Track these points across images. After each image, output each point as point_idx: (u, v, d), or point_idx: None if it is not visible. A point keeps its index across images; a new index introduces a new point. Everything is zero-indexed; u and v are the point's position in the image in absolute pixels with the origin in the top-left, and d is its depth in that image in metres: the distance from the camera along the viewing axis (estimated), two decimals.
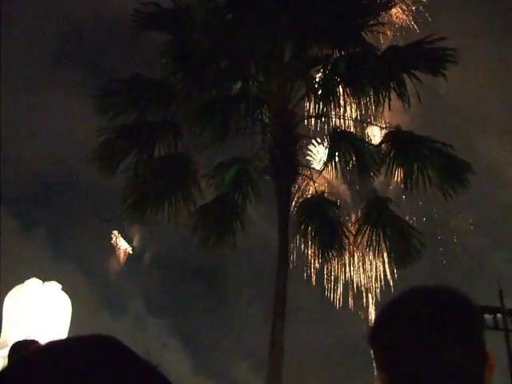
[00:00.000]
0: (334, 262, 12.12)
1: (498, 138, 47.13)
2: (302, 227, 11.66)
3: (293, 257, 13.59)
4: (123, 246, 50.33)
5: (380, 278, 36.86)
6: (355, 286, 37.55)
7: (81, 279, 43.58)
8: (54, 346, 0.92)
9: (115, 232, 48.72)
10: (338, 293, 38.42)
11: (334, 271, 36.55)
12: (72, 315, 11.35)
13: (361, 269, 36.86)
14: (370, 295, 37.89)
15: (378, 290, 37.51)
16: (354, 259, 32.16)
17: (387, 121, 12.47)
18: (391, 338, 1.47)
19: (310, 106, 11.70)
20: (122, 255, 50.44)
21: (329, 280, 37.87)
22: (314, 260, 12.09)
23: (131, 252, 50.72)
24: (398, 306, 1.53)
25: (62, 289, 11.82)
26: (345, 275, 37.05)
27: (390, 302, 1.54)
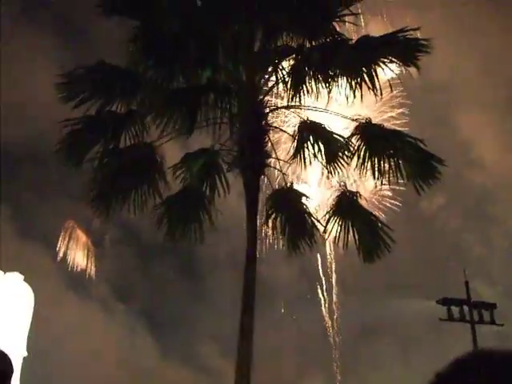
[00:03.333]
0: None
1: (477, 114, 46.60)
2: (272, 218, 11.53)
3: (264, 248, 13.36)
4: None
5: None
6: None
7: (47, 261, 42.77)
8: None
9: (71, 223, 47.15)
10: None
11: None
12: (37, 299, 11.08)
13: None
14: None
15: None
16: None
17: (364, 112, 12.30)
18: None
19: (280, 97, 11.57)
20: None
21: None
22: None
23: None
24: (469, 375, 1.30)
25: (24, 279, 11.57)
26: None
27: (457, 367, 1.32)
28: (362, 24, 12.21)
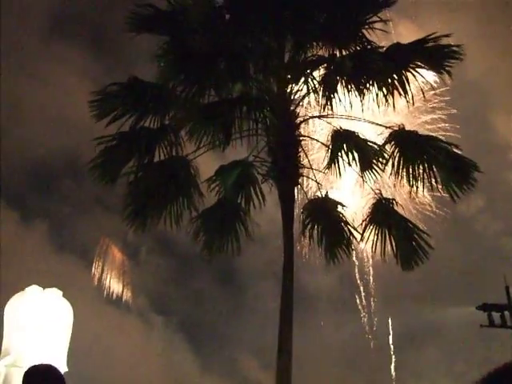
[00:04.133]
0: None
1: None
2: (308, 228, 11.50)
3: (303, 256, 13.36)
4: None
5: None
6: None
7: (85, 275, 42.91)
8: None
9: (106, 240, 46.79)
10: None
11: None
12: (76, 314, 11.19)
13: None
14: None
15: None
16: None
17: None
18: None
19: (312, 106, 11.56)
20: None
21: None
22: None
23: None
24: None
25: (63, 295, 11.67)
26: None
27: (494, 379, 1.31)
28: (392, 31, 12.13)
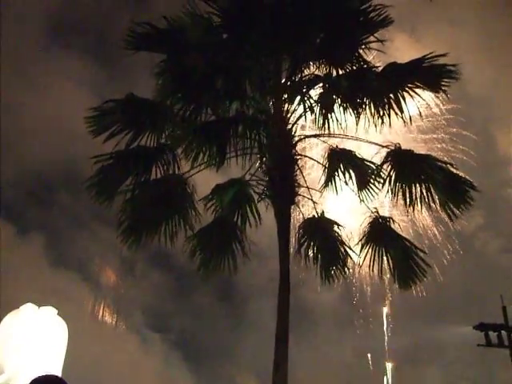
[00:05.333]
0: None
1: None
2: (304, 247, 11.46)
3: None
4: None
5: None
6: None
7: (82, 290, 42.62)
8: None
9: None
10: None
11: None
12: (70, 330, 11.11)
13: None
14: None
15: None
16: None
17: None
18: None
19: (308, 126, 11.60)
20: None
21: None
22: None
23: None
24: None
25: (58, 313, 11.61)
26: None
27: None
28: (390, 48, 12.16)
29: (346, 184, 11.11)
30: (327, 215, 11.75)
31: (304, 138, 11.67)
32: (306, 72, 11.17)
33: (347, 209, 14.69)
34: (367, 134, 11.43)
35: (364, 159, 11.21)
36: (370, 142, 11.39)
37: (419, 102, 10.95)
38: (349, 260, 11.49)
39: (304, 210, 12.03)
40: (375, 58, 11.10)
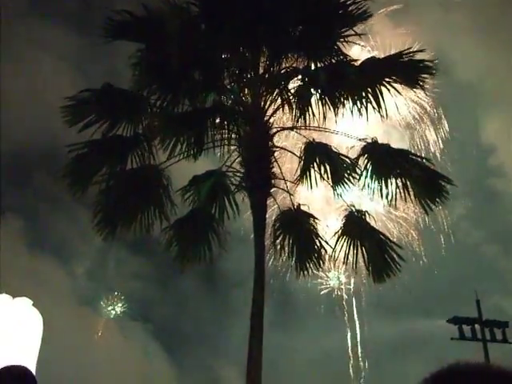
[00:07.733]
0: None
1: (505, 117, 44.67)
2: (279, 240, 11.46)
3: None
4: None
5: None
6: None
7: (60, 275, 41.92)
8: None
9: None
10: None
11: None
12: (49, 315, 11.02)
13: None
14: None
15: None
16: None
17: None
18: None
19: (285, 118, 11.57)
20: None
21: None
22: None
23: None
24: None
25: (33, 304, 11.53)
26: None
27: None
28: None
29: (322, 177, 11.07)
30: (303, 208, 11.74)
31: (281, 130, 11.66)
32: (285, 64, 11.15)
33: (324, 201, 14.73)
34: (344, 127, 11.46)
35: (340, 153, 11.19)
36: (347, 135, 11.41)
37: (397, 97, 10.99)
38: (323, 252, 11.48)
39: (281, 203, 12.02)
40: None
